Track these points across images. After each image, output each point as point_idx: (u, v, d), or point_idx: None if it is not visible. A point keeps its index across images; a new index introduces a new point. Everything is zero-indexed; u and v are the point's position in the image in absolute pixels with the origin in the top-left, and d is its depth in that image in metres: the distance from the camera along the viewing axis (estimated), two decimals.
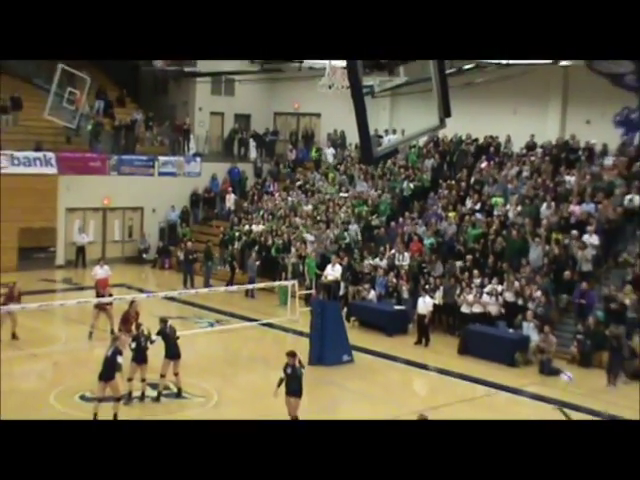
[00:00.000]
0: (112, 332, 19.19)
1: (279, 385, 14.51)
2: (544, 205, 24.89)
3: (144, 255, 32.50)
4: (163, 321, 17.07)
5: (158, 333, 16.81)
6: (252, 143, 36.18)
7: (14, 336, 20.20)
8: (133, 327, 18.06)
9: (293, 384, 14.45)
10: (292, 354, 14.72)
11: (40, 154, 29.47)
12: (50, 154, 29.62)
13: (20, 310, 19.97)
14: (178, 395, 16.80)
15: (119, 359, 14.94)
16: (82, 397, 16.50)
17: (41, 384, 18.09)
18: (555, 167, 26.82)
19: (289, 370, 14.51)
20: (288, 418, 14.22)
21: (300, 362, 14.81)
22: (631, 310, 20.32)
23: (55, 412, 15.64)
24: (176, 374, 16.65)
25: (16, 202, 28.50)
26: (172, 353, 16.65)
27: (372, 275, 25.04)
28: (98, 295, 22.28)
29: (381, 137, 29.65)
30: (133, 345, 16.48)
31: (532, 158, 27.91)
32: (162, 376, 16.61)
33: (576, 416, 15.68)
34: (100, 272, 23.49)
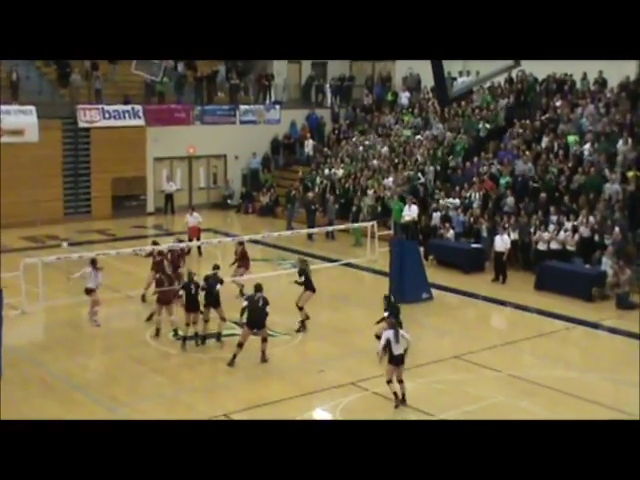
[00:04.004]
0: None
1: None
2: (620, 142, 24.06)
3: (229, 201, 32.79)
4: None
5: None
6: (328, 89, 35.83)
7: None
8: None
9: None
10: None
11: (128, 107, 29.76)
12: (138, 107, 29.86)
13: (115, 255, 20.29)
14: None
15: None
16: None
17: (138, 323, 18.32)
18: (633, 103, 25.72)
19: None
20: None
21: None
22: None
23: (151, 348, 16.08)
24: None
25: (108, 154, 29.40)
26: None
27: (448, 214, 24.72)
28: (190, 241, 22.67)
29: (455, 79, 28.94)
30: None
31: (608, 95, 26.88)
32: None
33: None
34: (191, 220, 23.90)
